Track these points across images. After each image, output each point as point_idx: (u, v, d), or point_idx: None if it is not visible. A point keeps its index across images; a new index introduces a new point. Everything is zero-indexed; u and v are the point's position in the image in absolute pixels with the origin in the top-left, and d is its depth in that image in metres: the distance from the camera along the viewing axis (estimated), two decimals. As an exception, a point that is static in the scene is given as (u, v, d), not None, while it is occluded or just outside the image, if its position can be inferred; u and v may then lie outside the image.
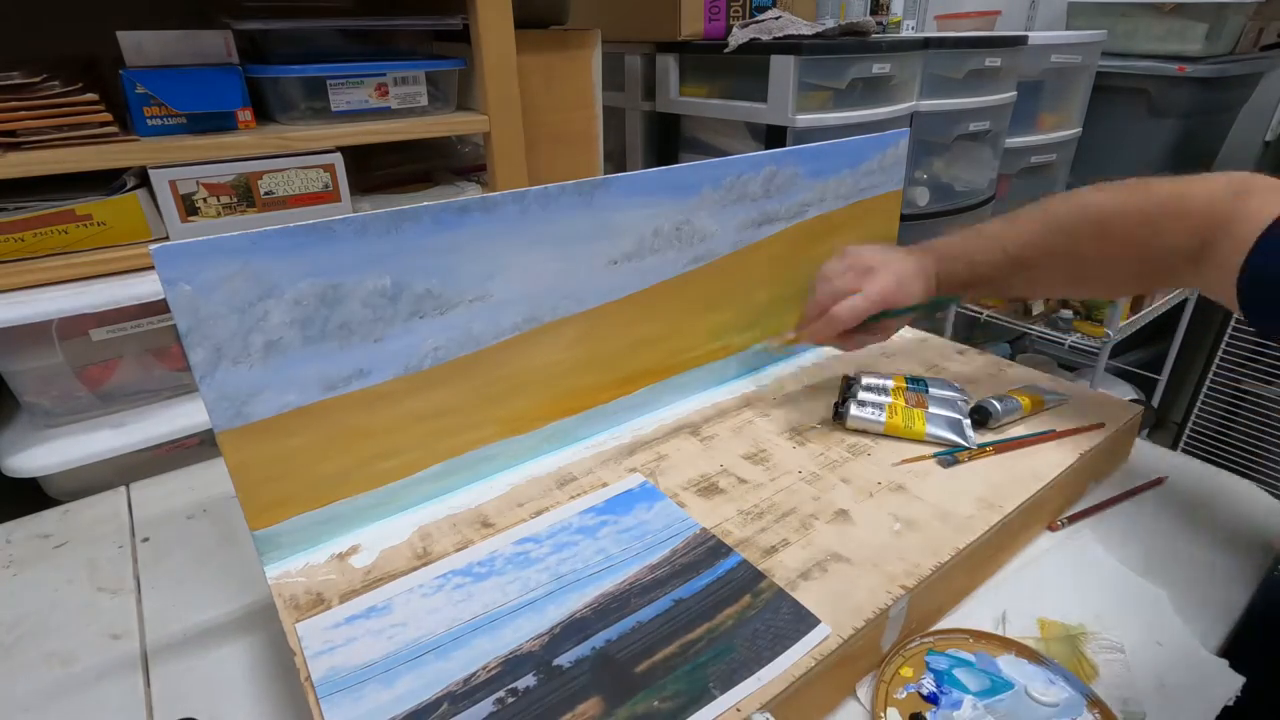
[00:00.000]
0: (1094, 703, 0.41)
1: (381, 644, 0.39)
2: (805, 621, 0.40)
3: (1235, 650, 0.45)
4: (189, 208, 0.73)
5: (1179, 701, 0.41)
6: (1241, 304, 0.43)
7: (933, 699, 0.40)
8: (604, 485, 0.53)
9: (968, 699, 0.40)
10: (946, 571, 0.45)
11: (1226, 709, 0.40)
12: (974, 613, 0.47)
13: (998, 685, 0.41)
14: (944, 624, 0.46)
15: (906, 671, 0.42)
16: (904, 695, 0.40)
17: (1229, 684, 0.42)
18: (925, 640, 0.44)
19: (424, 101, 0.86)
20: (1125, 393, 1.67)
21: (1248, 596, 0.49)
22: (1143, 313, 1.38)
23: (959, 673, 0.42)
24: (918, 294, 0.57)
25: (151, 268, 0.37)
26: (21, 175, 0.64)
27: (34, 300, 0.64)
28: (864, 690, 0.42)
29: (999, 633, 0.45)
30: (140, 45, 0.70)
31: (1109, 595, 0.49)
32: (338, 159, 0.79)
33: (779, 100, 1.16)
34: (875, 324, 0.57)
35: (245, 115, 0.75)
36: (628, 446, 0.58)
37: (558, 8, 1.04)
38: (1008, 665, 0.43)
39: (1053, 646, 0.45)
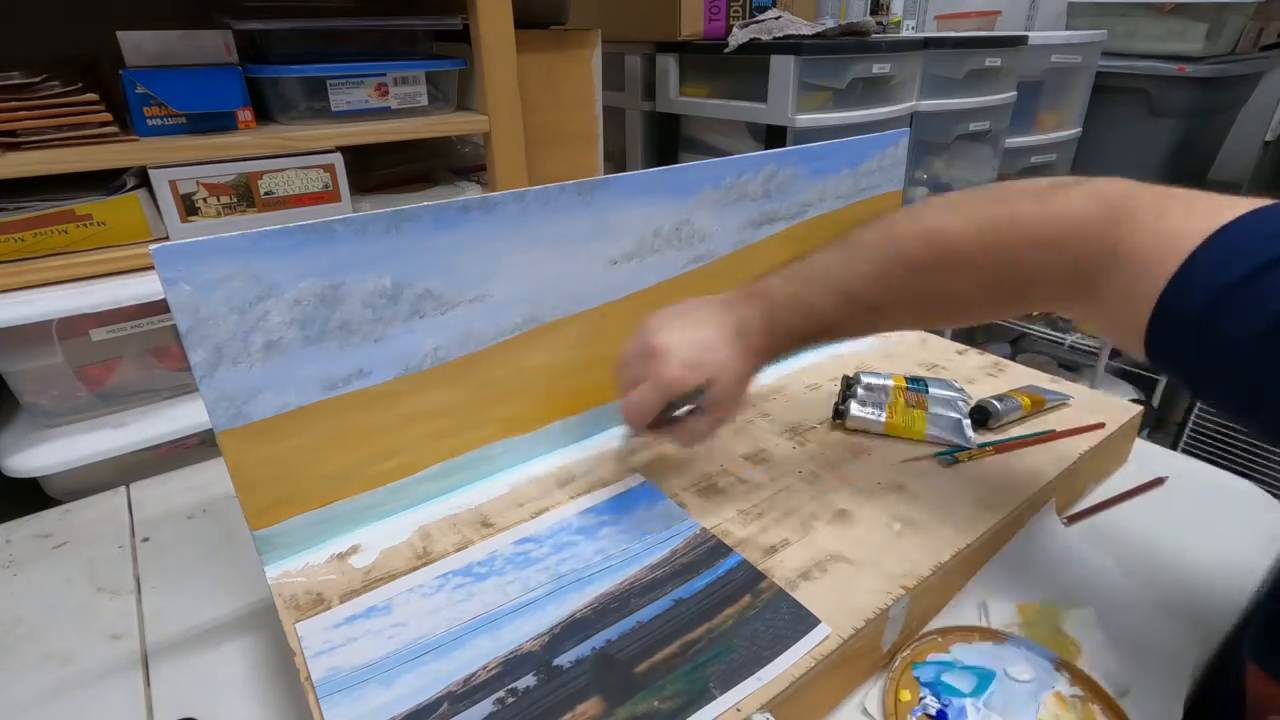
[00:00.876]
0: (1061, 664, 0.43)
1: (381, 644, 0.39)
2: (805, 621, 0.40)
3: (1234, 650, 0.45)
4: (189, 208, 0.73)
5: (1158, 667, 0.43)
6: (1149, 341, 0.36)
7: (941, 716, 0.40)
8: (604, 485, 0.53)
9: (968, 703, 0.40)
10: (946, 571, 0.45)
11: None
12: (957, 606, 0.48)
13: (983, 678, 0.42)
14: (931, 625, 0.47)
15: (905, 696, 0.41)
16: None
17: (1200, 643, 0.44)
18: (904, 654, 0.44)
19: (424, 101, 0.86)
20: (1125, 393, 1.67)
21: (1247, 597, 0.49)
22: (1143, 313, 1.38)
23: (947, 677, 0.42)
24: (726, 366, 0.47)
25: (151, 268, 0.37)
26: (21, 175, 0.64)
27: (34, 300, 0.64)
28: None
29: (980, 624, 0.46)
30: (140, 45, 0.70)
31: (1079, 576, 0.49)
32: (338, 159, 0.79)
33: (779, 100, 1.16)
34: (679, 421, 0.49)
35: (245, 115, 0.75)
36: (628, 446, 0.58)
37: (558, 8, 1.04)
38: (980, 653, 0.44)
39: (1035, 629, 0.45)
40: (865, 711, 0.41)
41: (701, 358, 0.46)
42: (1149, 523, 0.56)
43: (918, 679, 0.42)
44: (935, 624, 0.47)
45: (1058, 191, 0.40)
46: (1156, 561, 0.51)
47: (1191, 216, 0.35)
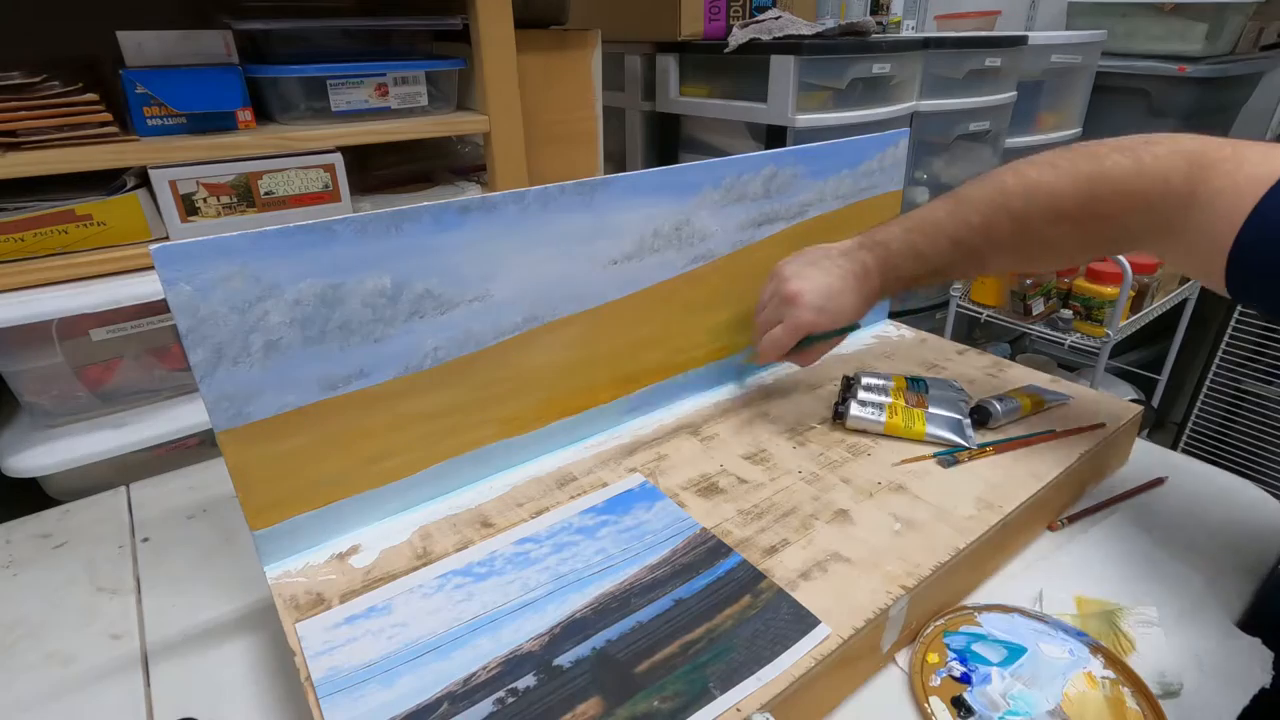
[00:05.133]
0: (1097, 649, 0.43)
1: (381, 644, 0.39)
2: (805, 621, 0.40)
3: None
4: (189, 208, 0.73)
5: (1215, 678, 0.42)
6: (1230, 275, 0.41)
7: (965, 679, 0.41)
8: (604, 485, 0.53)
9: (994, 670, 0.42)
10: (946, 571, 0.45)
11: (1263, 691, 0.41)
12: (1011, 592, 0.49)
13: (1014, 651, 0.43)
14: (975, 601, 0.48)
15: (932, 658, 0.43)
16: (938, 682, 0.41)
17: (1264, 663, 0.43)
18: (938, 624, 0.45)
19: (424, 101, 0.85)
20: (1125, 393, 1.67)
21: (1247, 597, 0.49)
22: (1143, 313, 1.38)
23: (977, 647, 0.43)
24: (847, 309, 0.56)
25: (151, 268, 0.37)
26: (21, 175, 0.64)
27: (34, 300, 0.64)
28: (903, 685, 0.43)
29: (1035, 609, 0.47)
30: (140, 45, 0.70)
31: (1144, 575, 0.50)
32: (338, 159, 0.79)
33: (779, 100, 1.16)
34: (806, 348, 0.58)
35: (245, 115, 0.75)
36: (628, 446, 0.58)
37: (558, 8, 1.04)
38: (1015, 630, 0.45)
39: (1090, 623, 0.46)
40: (895, 662, 0.44)
41: (828, 304, 0.55)
42: (1149, 523, 0.56)
43: (948, 645, 0.44)
44: (974, 600, 0.48)
45: (1145, 147, 0.45)
46: (1156, 561, 0.51)
47: (1268, 162, 0.40)
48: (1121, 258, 1.23)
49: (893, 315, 0.82)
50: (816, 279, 0.56)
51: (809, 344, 0.58)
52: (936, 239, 0.54)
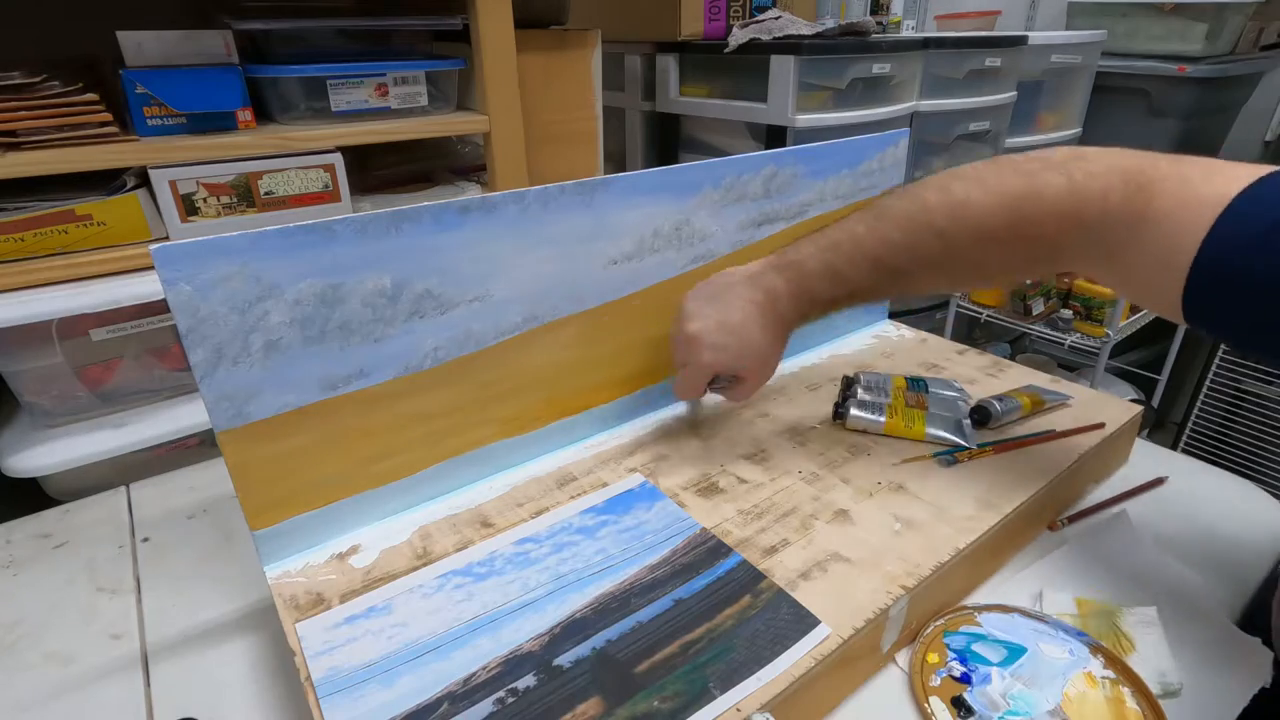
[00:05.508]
0: (1098, 649, 0.43)
1: (381, 644, 0.39)
2: (805, 621, 0.40)
3: None
4: (189, 208, 0.73)
5: (1215, 678, 0.42)
6: (1189, 298, 0.38)
7: (965, 679, 0.41)
8: (604, 485, 0.53)
9: (994, 670, 0.42)
10: (946, 571, 0.45)
11: (1263, 691, 0.41)
12: (1011, 592, 0.49)
13: (1014, 651, 0.43)
14: (975, 600, 0.48)
15: (932, 658, 0.43)
16: (938, 682, 0.41)
17: (1264, 663, 0.43)
18: (938, 624, 0.45)
19: (424, 101, 0.85)
20: (1125, 393, 1.67)
21: (1247, 597, 0.49)
22: (1143, 313, 1.38)
23: (977, 647, 0.43)
24: (752, 343, 0.52)
25: (151, 268, 0.37)
26: (21, 175, 0.64)
27: (34, 300, 0.64)
28: (903, 684, 0.43)
29: (1035, 609, 0.47)
30: (140, 45, 0.70)
31: (1144, 576, 0.50)
32: (338, 159, 0.79)
33: (779, 100, 1.16)
34: (733, 385, 0.56)
35: (245, 115, 0.75)
36: (628, 446, 0.58)
37: (558, 8, 1.04)
38: (1015, 630, 0.45)
39: (1090, 623, 0.46)
40: (895, 662, 0.44)
41: (728, 341, 0.52)
42: (1149, 523, 0.56)
43: (948, 645, 0.44)
44: (974, 600, 0.48)
45: (1077, 164, 0.42)
46: (1156, 561, 0.51)
47: (1210, 181, 0.38)
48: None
49: (893, 315, 0.82)
50: (713, 316, 0.52)
51: (732, 380, 0.56)
52: (855, 258, 0.49)
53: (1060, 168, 0.43)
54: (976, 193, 0.45)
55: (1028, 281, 1.32)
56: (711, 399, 0.63)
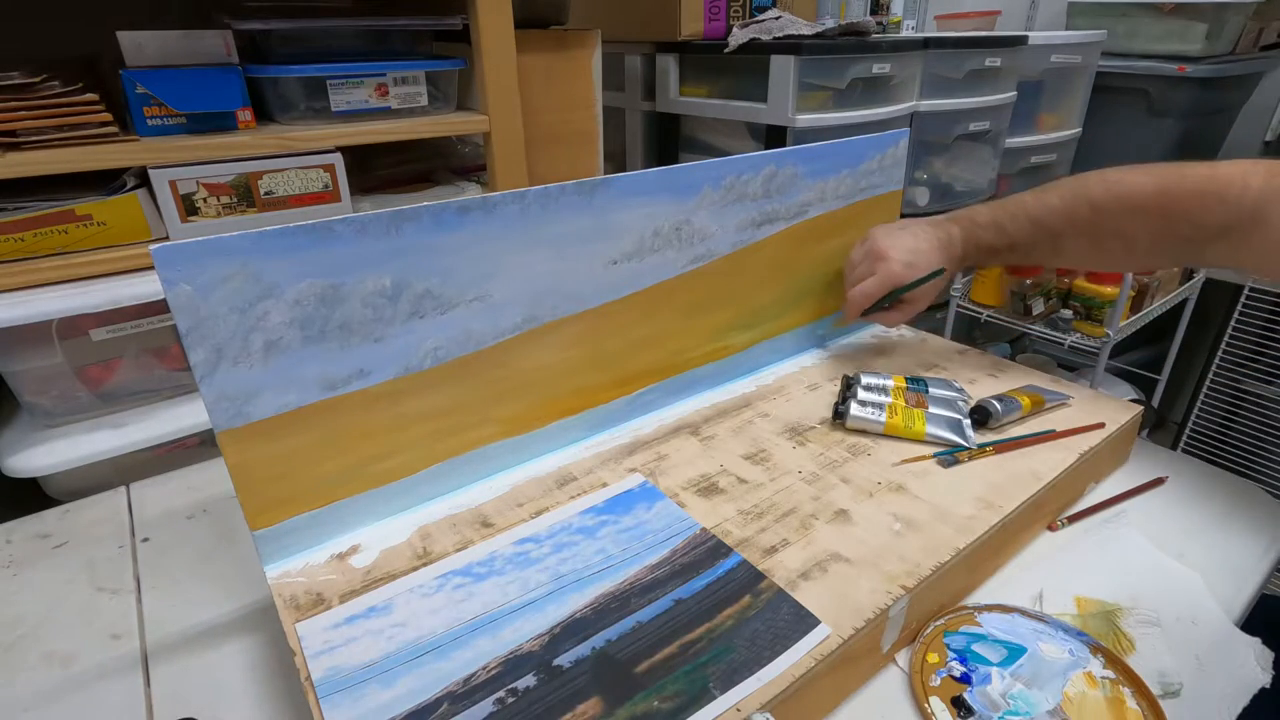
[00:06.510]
0: (1098, 649, 0.43)
1: (381, 644, 0.39)
2: (805, 621, 0.40)
3: None
4: (189, 208, 0.73)
5: (1215, 678, 0.42)
6: None
7: (965, 679, 0.41)
8: (604, 485, 0.53)
9: (994, 670, 0.42)
10: (946, 571, 0.45)
11: (1263, 691, 0.41)
12: (1011, 592, 0.49)
13: (1014, 651, 0.43)
14: (975, 600, 0.48)
15: (932, 658, 0.43)
16: (938, 682, 0.42)
17: (1264, 663, 0.43)
18: (938, 624, 0.45)
19: (424, 101, 0.86)
20: (1125, 393, 1.67)
21: (1247, 597, 0.49)
22: (1143, 313, 1.38)
23: (977, 647, 0.44)
24: (933, 266, 0.62)
25: (151, 268, 0.37)
26: (21, 175, 0.64)
27: (34, 300, 0.64)
28: (903, 684, 0.43)
29: (1035, 609, 0.47)
30: (140, 45, 0.70)
31: (1143, 576, 0.50)
32: (338, 159, 0.79)
33: (779, 100, 1.16)
34: (898, 301, 0.64)
35: (245, 115, 0.75)
36: (628, 446, 0.58)
37: (558, 8, 1.04)
38: (1015, 630, 0.45)
39: (1090, 622, 0.46)
40: (895, 662, 0.44)
41: (916, 260, 0.62)
42: (1149, 523, 0.56)
43: (948, 645, 0.44)
44: (974, 600, 0.48)
45: (1223, 162, 0.50)
46: (1157, 561, 0.51)
47: None
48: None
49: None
50: (904, 240, 0.63)
51: (894, 299, 0.64)
52: (1018, 217, 0.60)
53: (1208, 164, 0.50)
54: (1131, 174, 0.54)
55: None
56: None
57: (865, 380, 0.63)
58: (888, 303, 0.64)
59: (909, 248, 0.62)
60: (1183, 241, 0.52)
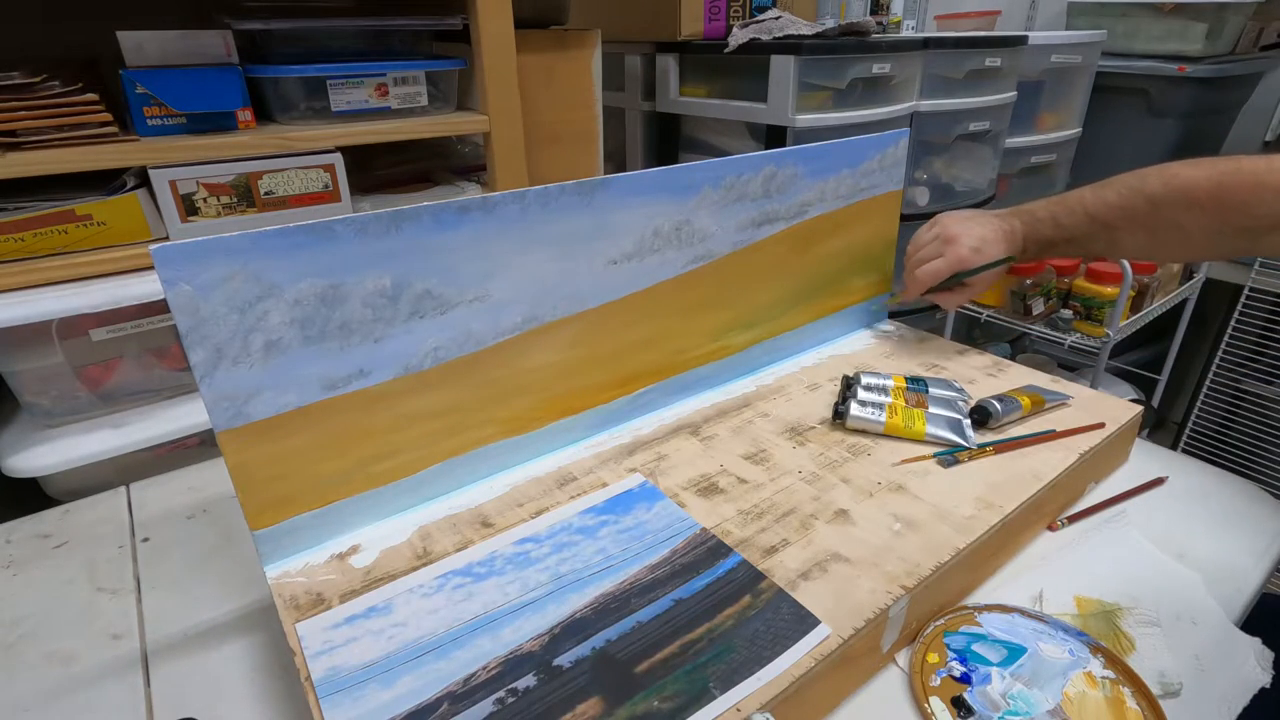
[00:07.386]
0: (1098, 649, 0.43)
1: (381, 644, 0.39)
2: (805, 621, 0.40)
3: None
4: (189, 208, 0.73)
5: (1215, 678, 0.43)
6: None
7: (965, 679, 0.41)
8: (604, 485, 0.53)
9: (994, 670, 0.42)
10: (946, 571, 0.45)
11: (1263, 691, 0.41)
12: (1011, 592, 0.49)
13: (1014, 651, 0.43)
14: (975, 600, 0.48)
15: (932, 658, 0.43)
16: (938, 682, 0.42)
17: (1264, 663, 0.43)
18: (938, 624, 0.45)
19: (424, 101, 0.85)
20: (1125, 393, 1.67)
21: (1247, 597, 0.49)
22: (1143, 313, 1.38)
23: (977, 647, 0.44)
24: (999, 254, 0.66)
25: (151, 268, 0.37)
26: (21, 175, 0.64)
27: (34, 300, 0.64)
28: (902, 684, 0.43)
29: (1035, 609, 0.47)
30: (140, 45, 0.70)
31: (1143, 576, 0.50)
32: (338, 159, 0.79)
33: (779, 100, 1.16)
34: (960, 284, 0.67)
35: (245, 115, 0.75)
36: (628, 446, 0.58)
37: (558, 8, 1.04)
38: (1015, 630, 0.45)
39: (1090, 622, 0.46)
40: (895, 662, 0.44)
41: (983, 246, 0.66)
42: (1149, 523, 0.56)
43: (948, 645, 0.44)
44: (974, 600, 0.48)
45: (1278, 155, 0.51)
46: (1156, 561, 0.51)
47: None
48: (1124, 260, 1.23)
49: (893, 315, 0.82)
50: (973, 228, 0.66)
51: (956, 281, 0.67)
52: (1075, 211, 0.62)
53: (1264, 157, 0.52)
54: (1188, 169, 0.55)
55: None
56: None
57: (865, 380, 0.63)
58: (951, 285, 0.68)
59: (978, 235, 0.66)
60: (1239, 232, 0.53)
